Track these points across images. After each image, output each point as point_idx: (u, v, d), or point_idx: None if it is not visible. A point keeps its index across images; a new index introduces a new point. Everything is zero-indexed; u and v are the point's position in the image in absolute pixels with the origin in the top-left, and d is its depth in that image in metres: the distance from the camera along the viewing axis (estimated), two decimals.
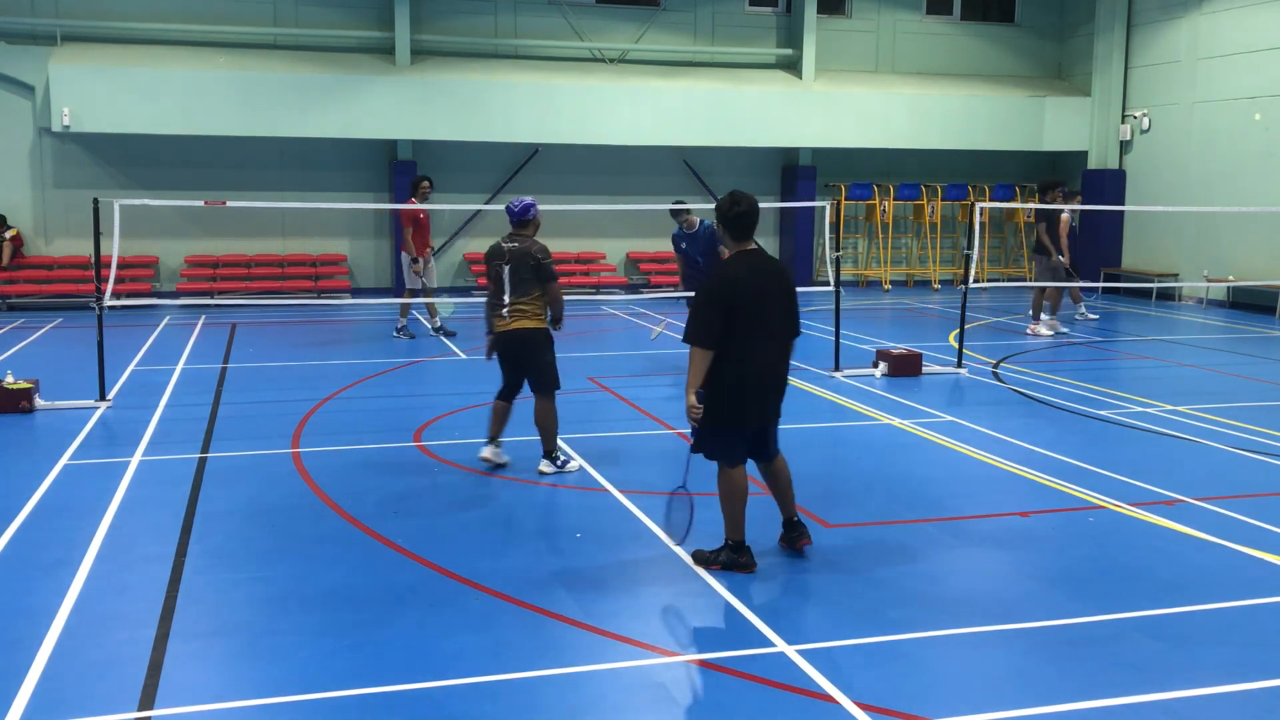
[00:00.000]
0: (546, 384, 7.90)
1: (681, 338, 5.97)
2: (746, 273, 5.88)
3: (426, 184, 14.66)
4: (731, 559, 6.05)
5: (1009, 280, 22.32)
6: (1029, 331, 15.36)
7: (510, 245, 7.80)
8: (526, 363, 7.87)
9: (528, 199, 7.98)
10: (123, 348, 13.36)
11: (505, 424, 8.13)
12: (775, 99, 20.62)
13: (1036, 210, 15.36)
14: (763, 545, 6.50)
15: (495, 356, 8.01)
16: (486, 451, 8.14)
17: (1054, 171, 23.40)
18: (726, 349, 5.82)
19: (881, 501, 7.46)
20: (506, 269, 7.73)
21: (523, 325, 7.74)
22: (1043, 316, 15.36)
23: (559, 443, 8.21)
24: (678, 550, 6.33)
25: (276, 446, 8.86)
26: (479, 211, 19.97)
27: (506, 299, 7.75)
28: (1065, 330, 15.55)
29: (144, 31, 18.58)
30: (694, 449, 6.15)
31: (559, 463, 8.00)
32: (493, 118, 19.15)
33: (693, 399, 5.80)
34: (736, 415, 5.93)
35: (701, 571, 6.03)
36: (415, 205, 14.39)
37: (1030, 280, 16.10)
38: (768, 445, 6.20)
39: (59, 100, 17.32)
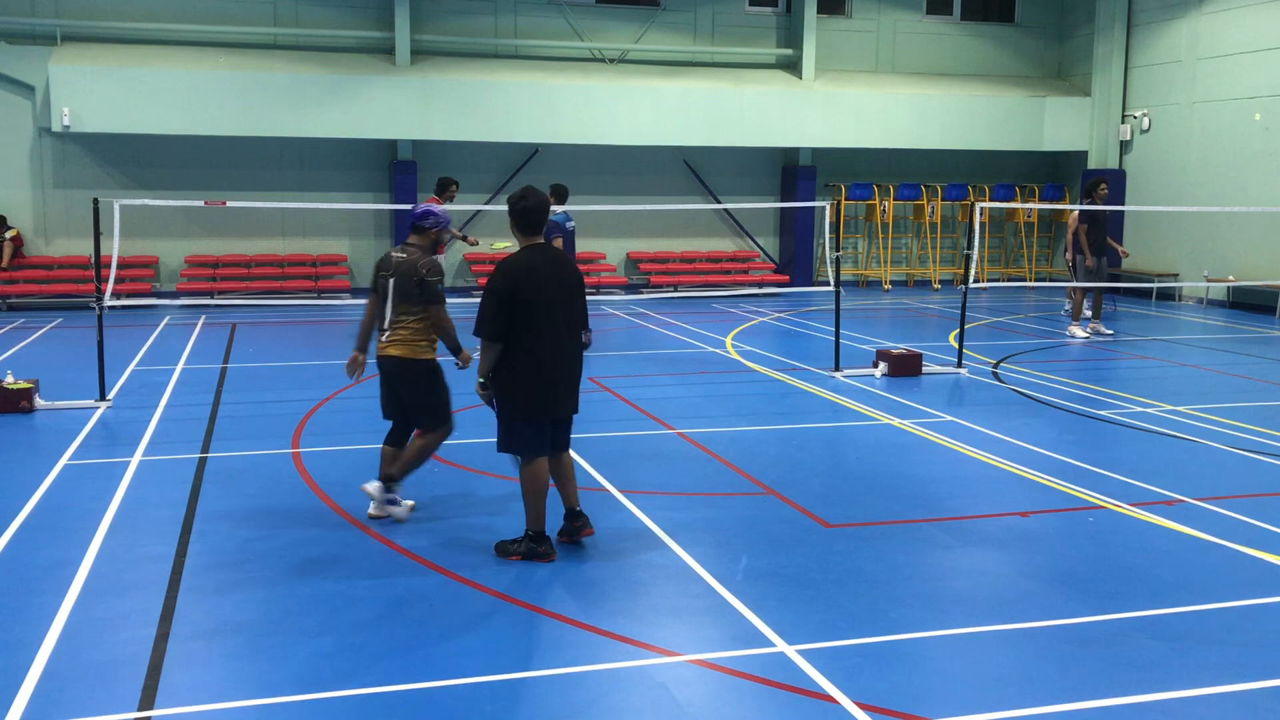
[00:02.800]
0: (433, 423, 6.84)
1: (473, 330, 6.17)
2: (528, 267, 6.10)
3: (454, 187, 14.54)
4: (531, 549, 6.22)
5: (1009, 280, 22.34)
6: (1067, 333, 15.26)
7: (399, 256, 6.78)
8: (408, 397, 6.82)
9: (436, 206, 6.96)
10: (123, 348, 13.36)
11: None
12: (775, 99, 20.61)
13: (1079, 211, 15.26)
14: (756, 544, 6.51)
15: (380, 384, 6.91)
16: (370, 486, 6.94)
17: (1055, 171, 23.43)
18: (518, 341, 6.06)
19: (881, 501, 7.45)
20: (391, 283, 6.74)
21: (399, 354, 6.70)
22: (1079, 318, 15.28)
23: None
24: (686, 558, 6.33)
25: (276, 446, 8.86)
26: (479, 211, 19.97)
27: (387, 317, 6.76)
28: (1109, 332, 15.43)
29: (144, 31, 18.59)
30: (500, 448, 6.30)
31: (389, 495, 6.88)
32: (493, 118, 19.16)
33: (479, 384, 6.19)
34: (535, 407, 6.12)
35: (701, 571, 6.03)
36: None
37: (1067, 281, 15.92)
38: (561, 438, 6.34)
39: (59, 100, 17.32)
